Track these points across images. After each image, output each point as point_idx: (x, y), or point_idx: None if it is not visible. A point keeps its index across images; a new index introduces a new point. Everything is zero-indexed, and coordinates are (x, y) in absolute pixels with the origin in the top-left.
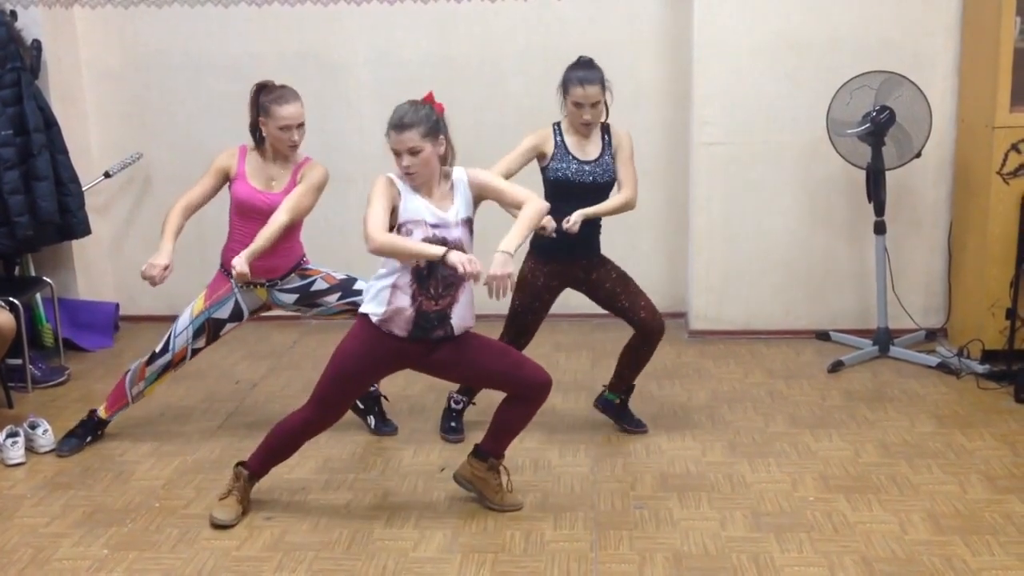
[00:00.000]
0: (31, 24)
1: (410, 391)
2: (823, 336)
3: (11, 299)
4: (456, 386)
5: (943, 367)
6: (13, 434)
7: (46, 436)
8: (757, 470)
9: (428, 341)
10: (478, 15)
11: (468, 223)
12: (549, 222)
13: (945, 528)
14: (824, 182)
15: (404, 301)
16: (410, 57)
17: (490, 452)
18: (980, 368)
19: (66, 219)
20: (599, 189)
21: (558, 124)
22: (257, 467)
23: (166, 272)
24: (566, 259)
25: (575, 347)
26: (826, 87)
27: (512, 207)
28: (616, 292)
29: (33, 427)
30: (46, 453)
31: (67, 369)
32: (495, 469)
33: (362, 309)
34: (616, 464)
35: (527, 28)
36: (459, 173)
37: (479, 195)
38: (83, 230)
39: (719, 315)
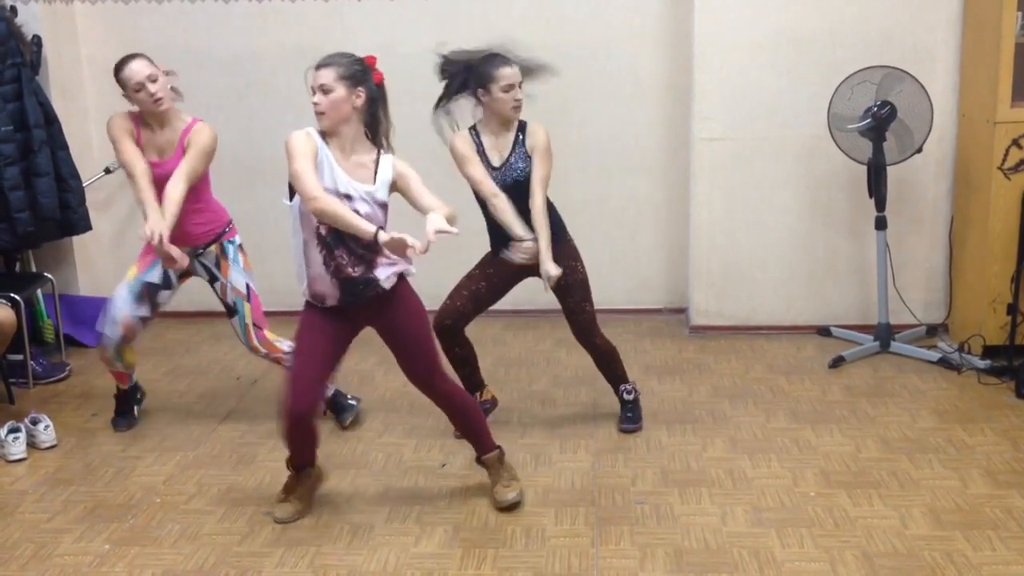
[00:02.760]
0: (31, 20)
1: (410, 387)
2: (824, 331)
3: (12, 295)
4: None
5: (944, 362)
6: (14, 430)
7: (47, 432)
8: (758, 465)
9: (365, 305)
10: (478, 10)
11: (384, 206)
12: (525, 252)
13: (946, 523)
14: (825, 177)
15: (318, 268)
16: (410, 52)
17: (478, 456)
18: (981, 363)
19: (67, 215)
20: (508, 190)
21: (474, 127)
22: (296, 462)
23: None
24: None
25: (576, 343)
26: (827, 82)
27: (420, 210)
28: (561, 296)
29: (34, 423)
30: (47, 449)
31: (68, 365)
32: (485, 465)
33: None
34: (617, 459)
35: (527, 23)
36: (388, 159)
37: (395, 184)
38: (84, 226)
39: (720, 310)
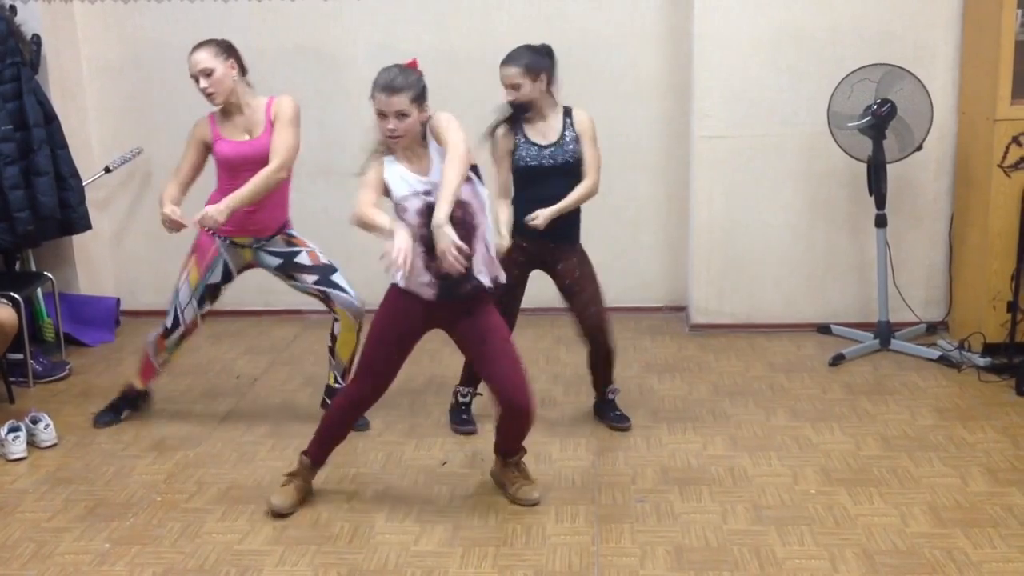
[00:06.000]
0: (30, 19)
1: (411, 385)
2: (824, 329)
3: (12, 294)
4: (456, 380)
5: (944, 360)
6: (15, 429)
7: (47, 431)
8: (758, 463)
9: (457, 301)
10: (478, 9)
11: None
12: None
13: (946, 521)
14: (825, 175)
15: (418, 265)
16: (410, 51)
17: (499, 451)
18: (981, 361)
19: (66, 214)
20: (559, 171)
21: (516, 111)
22: (315, 454)
23: (175, 216)
24: (532, 236)
25: (576, 341)
26: (827, 80)
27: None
28: (573, 292)
29: (35, 422)
30: (47, 448)
31: (68, 364)
32: (510, 465)
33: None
34: (617, 458)
35: (527, 21)
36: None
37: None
38: (83, 225)
39: (720, 308)
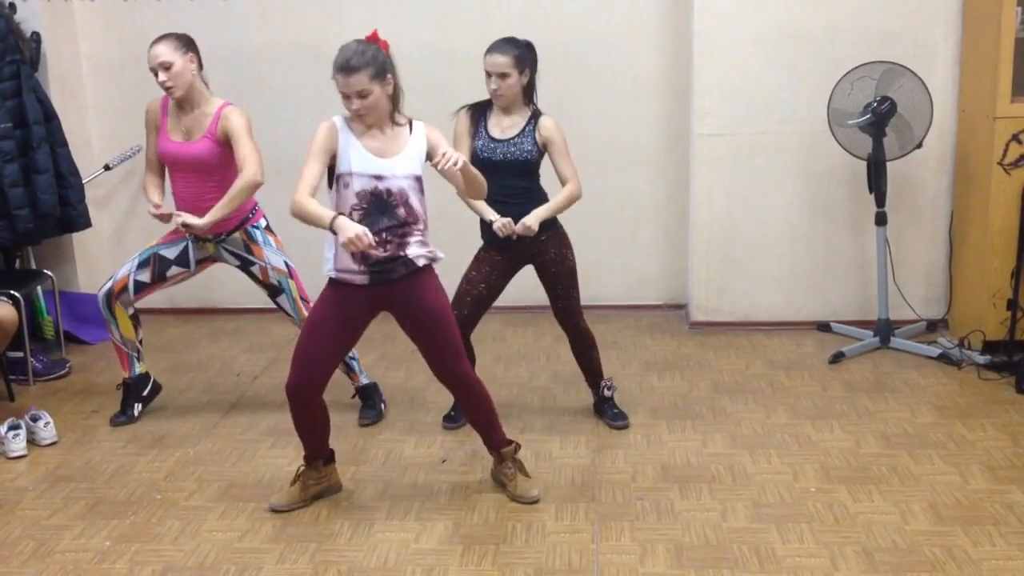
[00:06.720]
0: (30, 16)
1: (411, 383)
2: (824, 327)
3: (12, 292)
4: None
5: (944, 358)
6: (15, 427)
7: (48, 429)
8: (758, 461)
9: (391, 283)
10: (478, 7)
11: (417, 180)
12: (505, 227)
13: (946, 518)
14: (825, 173)
15: (345, 256)
16: (410, 50)
17: (487, 445)
18: (981, 359)
19: (66, 212)
20: (508, 167)
21: (490, 102)
22: (305, 450)
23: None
24: (507, 242)
25: None
26: (827, 77)
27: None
28: (548, 288)
29: (35, 420)
30: (48, 446)
31: (68, 362)
32: (506, 460)
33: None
34: (617, 455)
35: (527, 20)
36: (420, 127)
37: (429, 155)
38: (83, 223)
39: (720, 306)
